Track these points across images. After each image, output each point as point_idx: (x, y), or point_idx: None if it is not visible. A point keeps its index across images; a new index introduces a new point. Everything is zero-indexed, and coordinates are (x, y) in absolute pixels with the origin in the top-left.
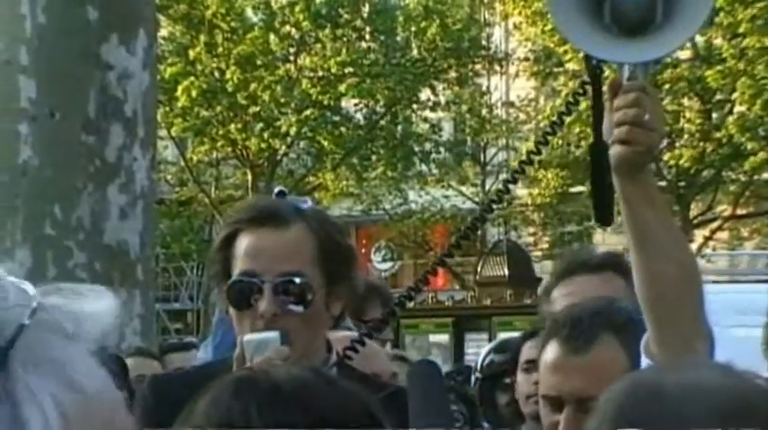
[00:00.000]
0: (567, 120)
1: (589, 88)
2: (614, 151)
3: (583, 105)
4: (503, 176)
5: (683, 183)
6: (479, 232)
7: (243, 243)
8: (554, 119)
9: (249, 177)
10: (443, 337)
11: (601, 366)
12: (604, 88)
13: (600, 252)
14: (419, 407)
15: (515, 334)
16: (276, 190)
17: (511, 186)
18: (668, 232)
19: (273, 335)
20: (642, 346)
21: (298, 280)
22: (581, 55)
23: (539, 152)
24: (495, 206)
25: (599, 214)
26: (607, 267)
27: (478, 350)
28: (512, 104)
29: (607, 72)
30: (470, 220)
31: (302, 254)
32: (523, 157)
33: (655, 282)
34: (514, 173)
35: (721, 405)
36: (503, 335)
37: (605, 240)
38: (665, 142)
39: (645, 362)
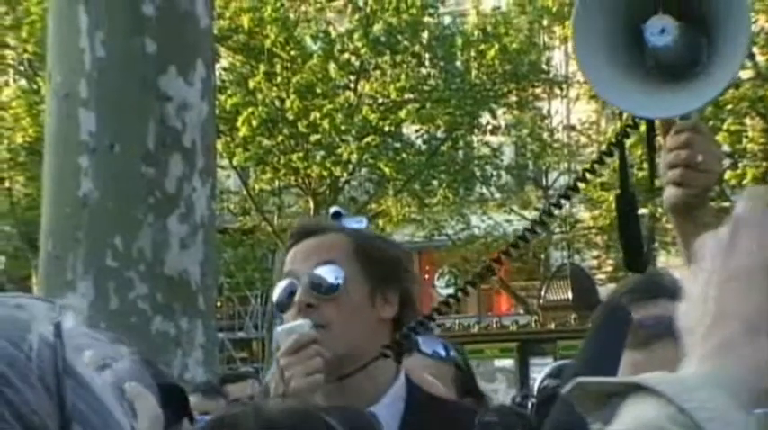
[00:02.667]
0: (628, 143)
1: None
2: (668, 193)
3: (643, 127)
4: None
5: None
6: (543, 257)
7: (288, 257)
8: (604, 150)
9: (311, 205)
10: (508, 362)
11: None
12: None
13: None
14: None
15: None
16: (332, 210)
17: (572, 209)
18: None
19: (304, 321)
20: None
21: (329, 267)
22: None
23: (585, 180)
24: (538, 227)
25: (630, 262)
26: None
27: None
28: (573, 128)
29: None
30: (515, 238)
31: (336, 249)
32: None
33: None
34: (559, 197)
35: None
36: (568, 360)
37: (669, 262)
38: (727, 162)
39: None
